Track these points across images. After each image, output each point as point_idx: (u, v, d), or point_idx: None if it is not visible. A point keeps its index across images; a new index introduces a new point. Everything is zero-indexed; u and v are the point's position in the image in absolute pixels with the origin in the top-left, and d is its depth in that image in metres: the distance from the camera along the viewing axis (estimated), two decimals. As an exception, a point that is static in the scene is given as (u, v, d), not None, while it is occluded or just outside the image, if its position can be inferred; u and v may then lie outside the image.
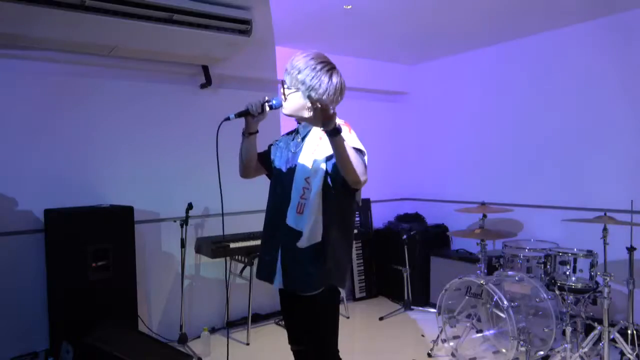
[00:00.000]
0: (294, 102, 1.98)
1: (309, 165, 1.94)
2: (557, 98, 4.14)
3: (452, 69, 5.04)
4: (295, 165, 1.99)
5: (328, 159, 1.91)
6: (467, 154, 4.91)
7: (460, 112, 4.98)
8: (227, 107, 3.82)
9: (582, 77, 3.96)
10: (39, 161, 3.38)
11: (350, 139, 1.89)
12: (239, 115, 2.01)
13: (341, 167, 1.80)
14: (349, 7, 3.47)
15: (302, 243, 1.91)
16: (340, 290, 2.03)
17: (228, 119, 1.99)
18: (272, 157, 2.19)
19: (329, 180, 1.93)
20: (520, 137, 4.42)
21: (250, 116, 2.02)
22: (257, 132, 2.11)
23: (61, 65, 3.44)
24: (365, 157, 1.91)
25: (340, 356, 2.07)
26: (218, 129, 2.02)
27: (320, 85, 1.93)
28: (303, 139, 2.05)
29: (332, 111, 1.68)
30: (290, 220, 1.95)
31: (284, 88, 2.00)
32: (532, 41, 4.29)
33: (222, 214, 2.19)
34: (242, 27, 3.35)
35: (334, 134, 1.71)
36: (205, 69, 3.96)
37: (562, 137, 4.11)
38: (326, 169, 1.92)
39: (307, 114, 1.98)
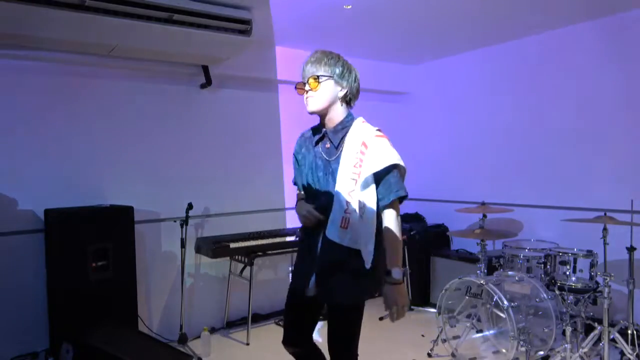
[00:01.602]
0: (326, 92, 1.97)
1: (353, 178, 1.91)
2: (557, 98, 4.14)
3: (453, 69, 5.04)
4: (335, 177, 1.95)
5: (376, 179, 1.92)
6: (467, 153, 4.91)
7: (461, 112, 4.98)
8: (227, 107, 3.85)
9: (582, 77, 3.96)
10: (39, 161, 3.38)
11: (391, 154, 1.93)
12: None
13: None
14: (349, 7, 3.47)
15: (368, 262, 1.92)
16: None
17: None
18: (301, 168, 2.14)
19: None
20: (521, 137, 4.42)
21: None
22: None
23: (61, 65, 3.44)
24: (403, 170, 1.97)
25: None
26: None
27: (349, 73, 2.00)
28: (337, 147, 1.99)
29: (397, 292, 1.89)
30: (332, 233, 1.93)
31: (313, 82, 1.96)
32: (532, 41, 4.28)
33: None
34: (242, 27, 3.35)
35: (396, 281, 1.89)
36: (205, 69, 3.96)
37: (562, 137, 4.11)
38: (377, 193, 1.93)
39: (338, 105, 2.00)
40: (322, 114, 2.02)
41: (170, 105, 3.94)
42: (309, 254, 2.04)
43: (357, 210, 1.90)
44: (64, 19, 2.80)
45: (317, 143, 2.06)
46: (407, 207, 5.46)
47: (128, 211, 3.38)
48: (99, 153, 3.61)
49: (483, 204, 3.93)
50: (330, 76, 1.96)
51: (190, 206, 3.69)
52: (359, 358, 2.18)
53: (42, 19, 2.77)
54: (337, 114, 2.01)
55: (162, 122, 3.90)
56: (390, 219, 1.93)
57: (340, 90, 1.99)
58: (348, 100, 2.03)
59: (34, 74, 3.35)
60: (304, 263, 2.08)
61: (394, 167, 1.93)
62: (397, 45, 4.60)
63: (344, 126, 2.01)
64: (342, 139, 1.99)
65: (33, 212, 3.33)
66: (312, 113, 2.02)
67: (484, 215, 3.82)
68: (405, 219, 5.18)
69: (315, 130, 2.11)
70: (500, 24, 3.99)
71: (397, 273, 1.89)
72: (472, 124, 4.86)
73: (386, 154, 1.92)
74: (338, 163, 1.96)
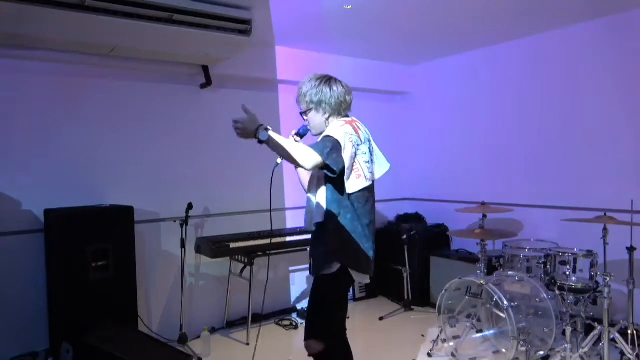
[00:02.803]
0: (314, 120, 2.30)
1: None
2: (557, 98, 4.14)
3: (453, 69, 5.04)
4: None
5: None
6: (467, 154, 4.91)
7: (461, 112, 4.98)
8: (228, 107, 3.87)
9: (582, 77, 3.96)
10: (39, 161, 3.38)
11: (330, 130, 2.19)
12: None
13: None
14: (349, 7, 3.47)
15: (307, 226, 2.32)
16: (358, 275, 2.24)
17: (277, 165, 2.26)
18: None
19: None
20: (520, 137, 4.42)
21: None
22: None
23: (61, 65, 3.44)
24: (334, 141, 2.14)
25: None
26: (272, 176, 2.27)
27: (324, 95, 2.25)
28: None
29: (251, 128, 2.04)
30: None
31: (304, 115, 2.33)
32: (532, 41, 4.29)
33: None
34: (242, 27, 3.35)
35: (260, 143, 2.05)
36: (205, 69, 3.96)
37: (562, 137, 4.11)
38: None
39: (325, 126, 2.28)
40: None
41: (170, 105, 3.94)
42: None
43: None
44: (64, 19, 2.80)
45: None
46: (407, 207, 5.47)
47: (128, 211, 3.38)
48: (99, 153, 3.61)
49: (483, 204, 3.93)
50: (309, 108, 2.29)
51: (190, 206, 3.70)
52: (357, 355, 2.28)
53: (42, 19, 2.77)
54: (327, 127, 2.32)
55: (162, 122, 3.90)
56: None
57: (323, 113, 2.29)
58: (337, 113, 2.31)
59: (34, 74, 3.35)
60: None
61: (327, 136, 2.17)
62: (397, 45, 4.60)
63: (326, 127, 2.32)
64: None
65: (33, 212, 3.33)
66: (316, 135, 2.34)
67: (484, 215, 3.82)
68: (405, 219, 5.18)
69: None
70: (500, 24, 3.99)
71: (263, 133, 2.05)
72: (472, 124, 4.86)
73: (329, 130, 2.20)
74: None
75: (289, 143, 2.10)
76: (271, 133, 2.05)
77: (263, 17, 3.56)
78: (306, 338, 2.25)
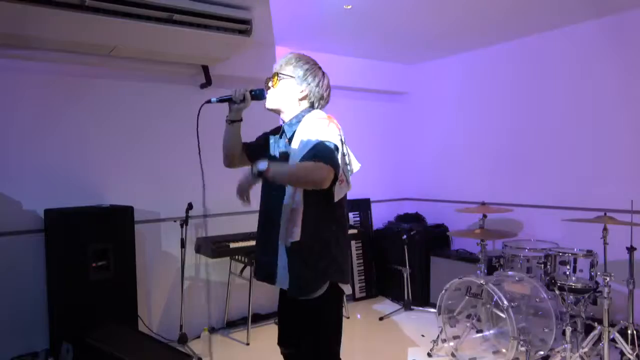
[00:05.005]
0: (285, 90, 2.00)
1: None
2: (557, 98, 4.14)
3: (452, 69, 5.04)
4: None
5: (302, 159, 1.85)
6: (467, 154, 4.91)
7: (460, 111, 4.98)
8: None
9: (582, 77, 3.96)
10: (39, 161, 3.37)
11: (324, 132, 1.84)
12: (220, 100, 2.07)
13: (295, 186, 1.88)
14: (349, 7, 3.47)
15: (287, 243, 1.91)
16: (344, 287, 1.99)
17: (209, 101, 2.07)
18: (269, 152, 2.14)
19: None
20: (520, 137, 4.42)
21: (232, 102, 2.06)
22: (241, 120, 2.13)
23: (61, 65, 3.44)
24: (335, 148, 1.83)
25: (341, 357, 2.05)
26: (199, 112, 2.15)
27: (314, 77, 2.00)
28: (290, 140, 1.99)
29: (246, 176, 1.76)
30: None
31: (274, 79, 2.01)
32: (532, 41, 4.29)
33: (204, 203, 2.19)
34: (242, 27, 3.35)
35: (259, 176, 1.76)
36: (205, 69, 3.96)
37: (561, 137, 4.11)
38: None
39: (296, 104, 2.00)
40: (281, 112, 2.05)
41: (170, 106, 3.94)
42: (270, 244, 1.99)
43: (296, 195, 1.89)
44: (64, 19, 2.80)
45: (281, 137, 2.08)
46: (407, 207, 5.47)
47: (128, 211, 3.38)
48: (99, 153, 3.61)
49: (483, 204, 3.94)
50: (291, 76, 1.99)
51: (190, 206, 3.69)
52: (349, 357, 2.13)
53: (42, 19, 2.77)
54: (294, 111, 2.02)
55: (162, 122, 3.90)
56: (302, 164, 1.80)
57: (301, 92, 2.00)
58: (311, 103, 2.03)
59: (34, 74, 3.35)
60: (266, 255, 2.03)
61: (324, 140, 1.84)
62: (396, 45, 4.61)
63: (299, 119, 1.99)
64: (294, 132, 1.97)
65: (33, 212, 3.33)
66: (268, 109, 2.05)
67: (484, 215, 3.82)
68: (405, 219, 5.18)
69: (277, 129, 2.16)
70: (499, 24, 3.99)
71: (261, 164, 1.76)
72: (472, 124, 4.86)
73: (318, 132, 1.84)
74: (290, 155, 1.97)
75: (294, 165, 1.84)
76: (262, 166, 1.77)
77: (263, 17, 3.56)
78: None
